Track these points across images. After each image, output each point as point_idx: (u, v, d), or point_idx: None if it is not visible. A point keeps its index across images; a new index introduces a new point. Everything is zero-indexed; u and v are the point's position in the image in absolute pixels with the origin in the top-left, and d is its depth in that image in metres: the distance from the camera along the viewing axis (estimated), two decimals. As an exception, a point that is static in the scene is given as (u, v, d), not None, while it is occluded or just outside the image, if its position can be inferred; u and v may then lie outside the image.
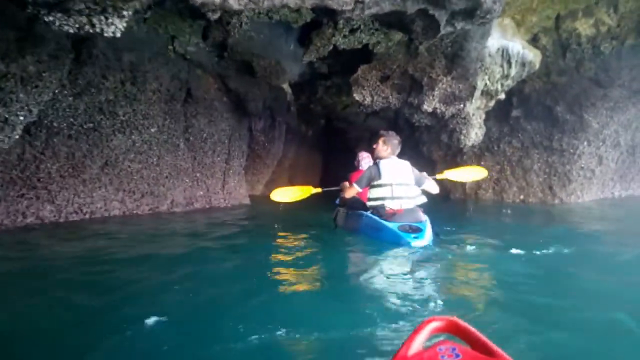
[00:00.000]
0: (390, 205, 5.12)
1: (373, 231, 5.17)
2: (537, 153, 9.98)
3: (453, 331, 1.15)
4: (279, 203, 6.64)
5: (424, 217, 5.15)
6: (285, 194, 6.67)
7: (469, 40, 7.27)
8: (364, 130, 14.43)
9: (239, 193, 10.09)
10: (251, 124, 11.25)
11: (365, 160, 6.65)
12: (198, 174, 8.94)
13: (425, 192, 5.47)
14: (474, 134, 8.69)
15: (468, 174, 6.91)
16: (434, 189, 5.62)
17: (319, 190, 6.49)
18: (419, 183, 5.39)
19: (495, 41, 7.72)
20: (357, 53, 8.44)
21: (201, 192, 9.02)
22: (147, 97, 7.65)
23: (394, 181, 5.19)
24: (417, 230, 4.78)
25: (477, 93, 7.94)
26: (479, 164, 10.74)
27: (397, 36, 7.57)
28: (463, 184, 11.16)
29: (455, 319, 1.16)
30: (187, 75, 8.47)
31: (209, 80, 9.08)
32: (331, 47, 7.67)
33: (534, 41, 8.78)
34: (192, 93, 8.62)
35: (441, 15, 5.83)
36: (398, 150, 5.52)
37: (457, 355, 1.02)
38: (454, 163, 11.27)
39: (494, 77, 7.98)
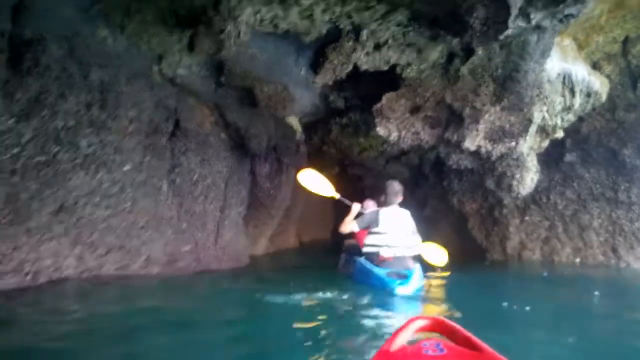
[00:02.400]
0: (383, 252, 5.34)
1: (364, 277, 5.37)
2: (597, 207, 8.22)
3: (438, 329, 1.22)
4: (301, 185, 6.82)
5: (413, 265, 5.34)
6: (313, 181, 6.80)
7: (527, 58, 5.73)
8: (382, 178, 12.78)
9: (237, 249, 8.37)
10: (254, 167, 9.66)
11: (370, 209, 6.58)
12: (184, 225, 7.26)
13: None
14: (530, 180, 7.02)
15: (433, 253, 6.87)
16: (419, 244, 5.87)
17: (336, 195, 6.71)
18: (414, 232, 5.70)
19: (555, 64, 6.19)
20: (381, 80, 6.95)
21: (187, 248, 7.30)
22: (121, 125, 6.11)
23: (391, 230, 5.44)
24: (404, 277, 4.92)
25: (533, 128, 6.34)
26: (522, 220, 9.01)
27: (434, 54, 6.07)
28: (503, 242, 9.37)
29: (440, 317, 1.24)
30: (176, 104, 6.98)
31: (204, 111, 7.59)
32: (351, 68, 6.18)
33: (594, 70, 7.25)
34: (181, 125, 7.09)
35: (515, -5, 4.21)
36: (399, 199, 5.80)
37: (442, 350, 1.07)
38: (491, 218, 9.55)
39: (554, 109, 6.38)
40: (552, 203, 8.57)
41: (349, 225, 5.83)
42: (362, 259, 5.58)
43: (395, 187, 5.84)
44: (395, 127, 6.68)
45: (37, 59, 4.95)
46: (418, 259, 5.70)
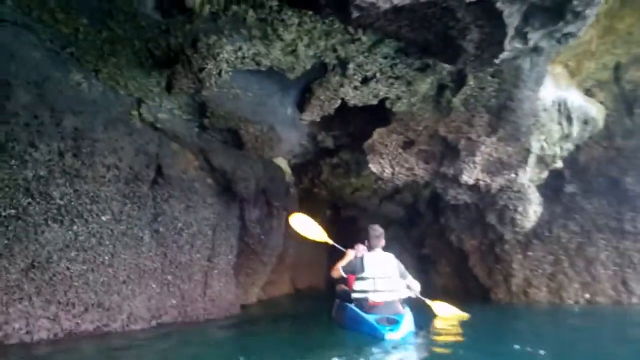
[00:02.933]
0: (372, 297, 5.31)
1: (354, 323, 5.31)
2: (602, 238, 7.89)
3: None
4: (295, 230, 6.86)
5: (403, 310, 5.30)
6: (305, 225, 6.83)
7: (521, 86, 5.50)
8: (377, 218, 12.42)
9: (227, 300, 7.86)
10: (243, 212, 9.28)
11: (361, 253, 6.21)
12: (169, 277, 6.80)
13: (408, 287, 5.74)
14: (532, 212, 6.69)
15: (446, 311, 6.54)
16: (417, 287, 5.83)
17: (329, 241, 6.76)
18: (403, 276, 5.65)
19: (549, 91, 5.97)
20: (371, 115, 6.70)
21: (173, 301, 6.82)
22: (96, 174, 5.76)
23: (376, 275, 5.42)
24: (394, 323, 4.91)
25: (532, 159, 6.07)
26: (525, 255, 8.62)
27: (424, 86, 5.84)
28: (507, 280, 8.94)
29: None
30: (157, 149, 6.66)
31: (188, 156, 7.26)
32: (338, 103, 5.92)
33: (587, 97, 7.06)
34: (164, 172, 6.75)
35: (512, 13, 3.98)
36: (382, 242, 5.84)
37: None
38: (492, 255, 9.16)
39: (552, 138, 6.14)
40: (555, 236, 8.22)
41: (337, 270, 5.89)
42: (352, 305, 5.56)
43: (377, 231, 5.87)
44: (388, 163, 6.38)
45: (2, 105, 4.64)
46: (408, 302, 5.70)
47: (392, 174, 6.47)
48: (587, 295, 7.99)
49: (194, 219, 7.23)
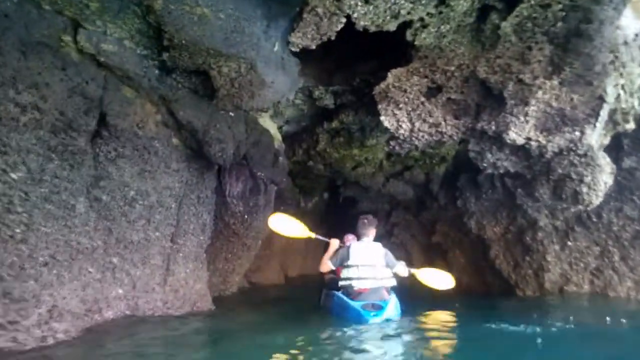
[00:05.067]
0: (357, 285, 5.44)
1: (341, 310, 5.49)
2: None
3: None
4: (274, 230, 6.73)
5: (388, 296, 5.44)
6: (285, 225, 6.67)
7: (595, 11, 3.87)
8: (381, 200, 10.87)
9: (195, 290, 6.33)
10: (225, 186, 7.72)
11: (349, 242, 6.21)
12: (115, 260, 5.25)
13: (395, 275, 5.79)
14: (603, 184, 5.08)
15: (435, 278, 6.54)
16: (404, 273, 5.91)
17: (312, 235, 6.64)
18: (390, 265, 5.71)
19: (630, 23, 4.34)
20: (383, 62, 5.10)
21: (120, 291, 5.27)
22: (4, 114, 4.19)
23: (362, 263, 5.55)
24: (379, 308, 5.13)
25: (605, 111, 4.47)
26: (563, 246, 7.06)
27: (461, 5, 4.18)
28: (539, 275, 7.38)
29: None
30: (101, 92, 5.06)
31: (145, 106, 5.66)
32: (342, 23, 4.30)
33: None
34: (109, 123, 5.16)
35: None
36: (372, 232, 5.86)
37: None
38: (521, 245, 7.61)
39: (632, 85, 4.51)
40: (605, 223, 6.62)
41: (326, 264, 6.00)
42: (339, 293, 5.69)
43: (366, 222, 5.91)
44: (406, 115, 4.81)
45: None
46: (395, 290, 5.75)
47: (411, 131, 4.92)
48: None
49: (152, 187, 5.66)
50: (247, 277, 9.42)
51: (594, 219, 6.64)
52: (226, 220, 7.99)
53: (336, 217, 11.87)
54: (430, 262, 11.65)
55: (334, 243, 6.20)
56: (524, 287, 7.63)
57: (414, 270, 6.26)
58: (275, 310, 7.36)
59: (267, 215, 8.82)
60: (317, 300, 6.81)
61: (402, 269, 5.91)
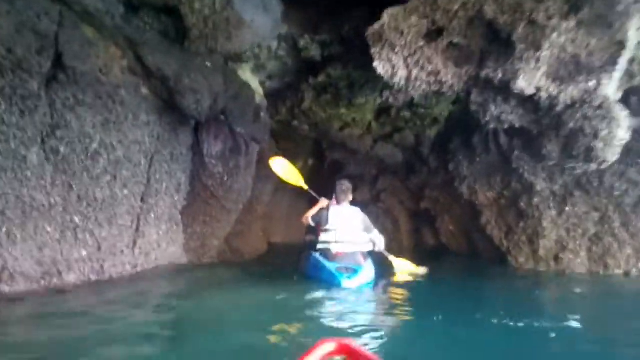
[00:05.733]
0: (334, 248, 5.52)
1: (316, 270, 5.50)
2: None
3: (345, 353, 1.19)
4: (274, 172, 6.80)
5: (364, 261, 5.48)
6: (285, 170, 6.75)
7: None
8: (368, 164, 10.44)
9: (169, 254, 5.88)
10: (202, 144, 7.19)
11: (329, 206, 6.12)
12: (77, 219, 4.76)
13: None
14: (619, 139, 4.64)
15: (410, 271, 6.25)
16: (380, 243, 5.88)
17: (305, 187, 6.68)
18: (368, 230, 5.77)
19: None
20: (373, 5, 4.57)
21: (83, 253, 4.80)
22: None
23: (339, 227, 5.62)
24: (353, 272, 5.10)
25: (625, 58, 4.00)
26: (561, 211, 6.70)
27: None
28: (533, 242, 7.06)
29: (347, 341, 1.21)
30: (56, 29, 4.46)
31: (110, 50, 5.08)
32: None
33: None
34: (66, 65, 4.57)
35: None
36: (347, 197, 5.89)
37: None
38: (515, 211, 7.27)
39: (655, 29, 4.03)
40: (607, 188, 6.24)
41: (307, 218, 5.99)
42: (316, 254, 5.69)
43: (344, 186, 5.94)
44: (403, 61, 4.30)
45: None
46: (372, 254, 5.78)
47: (407, 79, 4.42)
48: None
49: (117, 140, 5.14)
50: (227, 242, 8.97)
51: (595, 184, 6.25)
52: (204, 181, 7.48)
53: (322, 183, 11.42)
54: (417, 230, 11.37)
55: (323, 202, 6.09)
56: (516, 254, 7.30)
57: (391, 258, 6.15)
58: (252, 277, 6.95)
59: (249, 179, 8.37)
60: (296, 265, 6.59)
61: (379, 239, 5.89)
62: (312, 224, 5.89)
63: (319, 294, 4.62)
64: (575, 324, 3.38)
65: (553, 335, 3.11)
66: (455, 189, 8.30)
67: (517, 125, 5.10)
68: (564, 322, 3.42)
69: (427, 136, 8.77)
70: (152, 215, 5.64)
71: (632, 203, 6.11)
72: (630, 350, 2.96)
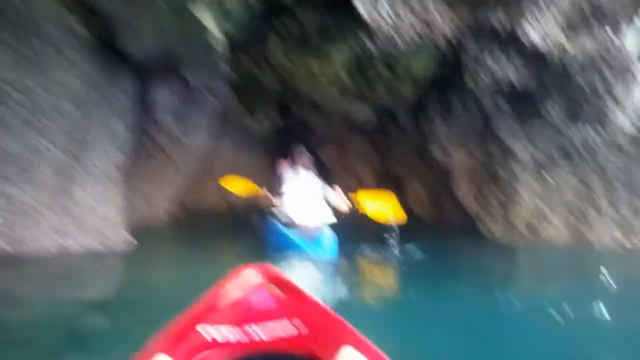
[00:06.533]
0: (294, 216, 5.39)
1: (278, 239, 5.38)
2: None
3: (268, 279, 1.25)
4: (228, 190, 6.88)
5: (325, 228, 5.37)
6: (238, 185, 6.86)
7: None
8: (339, 125, 9.74)
9: (106, 220, 5.11)
10: (150, 94, 6.36)
11: (284, 170, 6.12)
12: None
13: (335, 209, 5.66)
14: (635, 104, 4.05)
15: (381, 203, 6.05)
16: (343, 206, 5.67)
17: (259, 190, 6.39)
18: (327, 197, 5.61)
19: None
20: None
21: (-7, 218, 4.02)
22: None
23: (299, 195, 5.51)
24: (316, 240, 5.09)
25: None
26: (540, 177, 6.26)
27: None
28: (507, 211, 6.62)
29: (268, 265, 1.28)
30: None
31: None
32: None
33: None
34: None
35: None
36: (307, 166, 5.80)
37: (265, 297, 1.17)
38: (489, 176, 6.83)
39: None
40: (591, 154, 5.76)
41: (268, 196, 5.88)
42: (277, 224, 5.54)
43: (304, 155, 5.92)
44: (386, 3, 3.54)
45: None
46: (331, 222, 5.57)
47: (392, 23, 3.70)
48: (619, 236, 5.74)
49: (40, 83, 4.27)
50: (181, 203, 8.24)
51: (580, 151, 5.77)
52: (153, 137, 6.70)
53: (286, 144, 10.67)
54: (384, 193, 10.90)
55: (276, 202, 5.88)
56: (489, 223, 6.86)
57: (352, 195, 5.85)
58: (206, 240, 6.34)
59: (205, 135, 7.60)
60: (252, 227, 6.58)
61: (341, 202, 5.65)
62: (270, 195, 5.78)
63: (281, 262, 4.48)
64: (548, 297, 3.33)
65: (523, 307, 3.02)
66: (427, 152, 7.75)
67: (516, 84, 4.47)
68: (536, 295, 3.39)
69: (401, 95, 8.10)
70: (85, 174, 4.84)
71: (619, 171, 5.67)
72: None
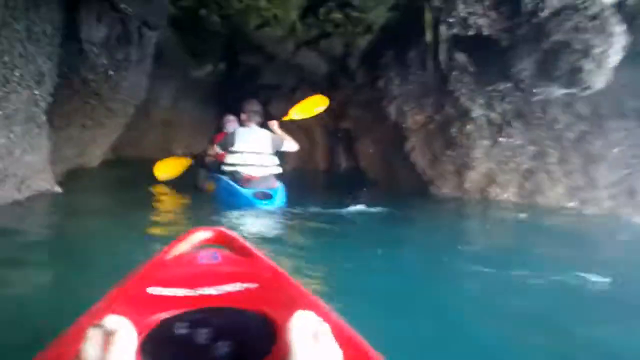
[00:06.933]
0: (244, 171, 5.25)
1: (229, 196, 5.28)
2: (622, 127, 5.47)
3: (220, 241, 1.25)
4: (163, 181, 6.46)
5: (277, 185, 5.33)
6: (169, 168, 6.63)
7: None
8: (287, 73, 9.25)
9: (26, 166, 4.51)
10: (79, 25, 5.64)
11: (230, 123, 6.40)
12: None
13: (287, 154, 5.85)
14: (614, 60, 3.86)
15: (311, 106, 6.30)
16: (293, 147, 5.69)
17: (190, 161, 6.69)
18: (277, 148, 5.50)
19: None
20: None
21: None
22: None
23: (247, 149, 5.36)
24: (269, 197, 5.02)
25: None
26: (494, 142, 6.17)
27: None
28: (459, 173, 6.51)
29: (221, 229, 1.26)
30: None
31: None
32: None
33: None
34: None
35: None
36: (258, 119, 5.56)
37: (216, 259, 1.15)
38: (443, 138, 6.69)
39: None
40: (549, 119, 5.68)
41: (212, 150, 5.97)
42: (226, 178, 5.40)
43: (254, 107, 5.56)
44: None
45: None
46: (280, 177, 5.51)
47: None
48: (572, 203, 5.76)
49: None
50: (116, 151, 7.60)
51: (538, 113, 5.66)
52: (83, 75, 6.00)
53: (233, 92, 10.05)
54: (334, 150, 10.62)
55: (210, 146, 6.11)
56: (440, 185, 6.75)
57: (286, 118, 6.01)
58: (145, 195, 5.85)
59: (142, 76, 6.93)
60: (194, 182, 6.43)
61: (291, 144, 5.64)
62: (220, 151, 5.55)
63: (232, 214, 4.50)
64: (497, 255, 3.39)
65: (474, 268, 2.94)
66: (381, 109, 7.47)
67: (486, 32, 4.21)
68: (483, 254, 3.39)
69: (357, 47, 7.72)
70: (6, 120, 4.20)
71: (573, 138, 5.63)
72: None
